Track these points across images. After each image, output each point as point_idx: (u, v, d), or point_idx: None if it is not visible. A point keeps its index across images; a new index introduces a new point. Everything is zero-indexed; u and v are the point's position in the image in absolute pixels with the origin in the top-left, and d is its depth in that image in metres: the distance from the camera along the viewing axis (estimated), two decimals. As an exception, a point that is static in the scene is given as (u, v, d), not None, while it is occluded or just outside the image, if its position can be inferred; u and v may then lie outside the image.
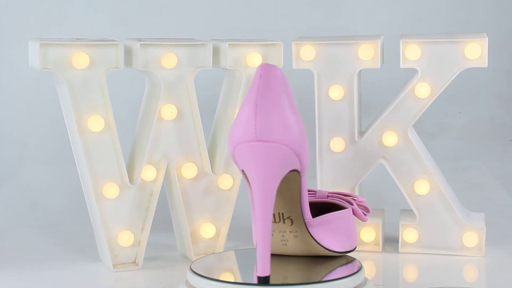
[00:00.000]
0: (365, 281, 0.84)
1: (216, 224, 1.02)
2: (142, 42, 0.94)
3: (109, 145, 0.95)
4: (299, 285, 0.80)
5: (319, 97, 1.03)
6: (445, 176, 1.07)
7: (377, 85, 1.32)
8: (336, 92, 1.02)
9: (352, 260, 0.88)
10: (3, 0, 1.43)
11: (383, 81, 1.31)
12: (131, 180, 0.97)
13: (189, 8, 1.46)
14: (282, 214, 0.86)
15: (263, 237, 0.79)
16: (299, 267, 0.86)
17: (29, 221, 1.19)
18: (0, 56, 1.43)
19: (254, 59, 0.99)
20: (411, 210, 1.04)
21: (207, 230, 1.01)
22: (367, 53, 1.01)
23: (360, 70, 1.02)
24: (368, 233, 1.04)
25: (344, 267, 0.85)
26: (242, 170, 0.81)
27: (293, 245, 0.88)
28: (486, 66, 0.99)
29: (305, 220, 0.86)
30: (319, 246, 0.87)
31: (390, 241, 1.07)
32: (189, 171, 0.99)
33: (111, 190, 0.95)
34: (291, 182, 0.83)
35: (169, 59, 0.96)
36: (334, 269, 0.85)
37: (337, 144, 1.03)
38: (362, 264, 0.86)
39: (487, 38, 0.99)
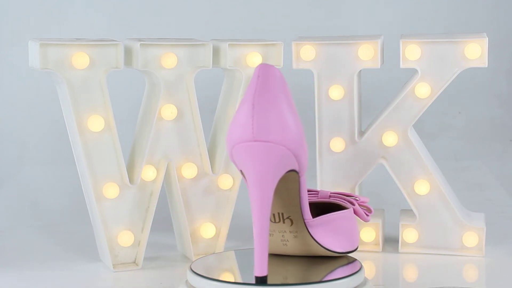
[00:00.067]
0: (365, 281, 0.84)
1: (216, 224, 1.02)
2: (142, 42, 0.94)
3: (109, 145, 0.95)
4: (299, 285, 0.80)
5: (319, 97, 1.03)
6: (445, 176, 1.07)
7: (377, 85, 1.32)
8: (336, 92, 1.02)
9: (353, 260, 0.88)
10: (3, 0, 1.43)
11: (383, 81, 1.31)
12: (131, 180, 0.97)
13: (189, 8, 1.46)
14: (282, 214, 0.86)
15: (260, 237, 0.79)
16: (299, 267, 0.86)
17: (29, 221, 1.19)
18: (0, 56, 1.43)
19: (254, 59, 0.99)
20: (411, 210, 1.04)
21: (207, 230, 1.01)
22: (367, 53, 1.01)
23: (360, 70, 1.02)
24: (368, 233, 1.04)
25: (344, 268, 0.85)
26: (241, 170, 0.81)
27: (293, 245, 0.88)
28: (486, 66, 0.99)
29: (305, 220, 0.86)
30: (319, 246, 0.87)
31: (390, 241, 1.07)
32: (189, 171, 0.99)
33: (111, 190, 0.95)
34: (290, 182, 0.83)
35: (169, 59, 0.96)
36: (335, 269, 0.85)
37: (337, 144, 1.03)
38: (362, 264, 0.86)
39: (487, 38, 0.99)
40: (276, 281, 0.81)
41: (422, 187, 1.02)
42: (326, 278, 0.82)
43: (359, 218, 0.94)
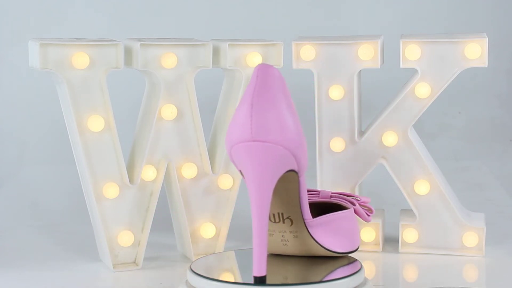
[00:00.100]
0: (365, 281, 0.84)
1: (216, 224, 1.02)
2: (142, 42, 0.94)
3: (109, 145, 0.95)
4: (299, 285, 0.80)
5: (319, 97, 1.03)
6: (445, 176, 1.07)
7: (377, 85, 1.32)
8: (336, 92, 1.02)
9: (353, 260, 0.88)
10: (3, 0, 1.43)
11: (383, 81, 1.31)
12: (131, 180, 0.97)
13: (189, 8, 1.46)
14: (282, 214, 0.86)
15: (259, 237, 0.79)
16: (300, 267, 0.86)
17: (29, 221, 1.19)
18: (0, 56, 1.43)
19: (254, 59, 0.99)
20: (411, 210, 1.04)
21: (207, 230, 1.01)
22: (367, 53, 1.01)
23: (360, 70, 1.02)
24: (368, 233, 1.04)
25: (345, 268, 0.85)
26: (240, 170, 0.81)
27: (293, 245, 0.88)
28: (486, 66, 0.99)
29: (305, 221, 0.86)
30: (319, 246, 0.87)
31: (390, 241, 1.07)
32: (189, 171, 0.99)
33: (111, 190, 0.95)
34: (289, 182, 0.83)
35: (169, 59, 0.96)
36: (335, 269, 0.85)
37: (337, 144, 1.03)
38: (362, 264, 0.86)
39: (487, 38, 0.99)
40: (276, 281, 0.81)
41: (422, 187, 1.02)
42: (326, 278, 0.82)
43: (360, 218, 0.94)
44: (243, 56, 0.99)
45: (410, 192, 1.03)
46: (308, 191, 0.93)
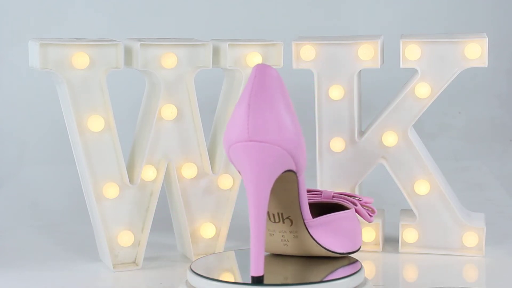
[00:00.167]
0: (365, 281, 0.84)
1: (216, 224, 1.02)
2: (142, 42, 0.94)
3: (109, 145, 0.95)
4: (299, 285, 0.80)
5: (319, 97, 1.03)
6: (445, 176, 1.07)
7: (377, 85, 1.32)
8: (336, 92, 1.02)
9: (354, 261, 0.87)
10: (3, 0, 1.43)
11: (383, 81, 1.31)
12: (131, 180, 0.97)
13: (189, 8, 1.46)
14: (281, 214, 0.86)
15: (256, 237, 0.79)
16: (300, 267, 0.86)
17: (29, 221, 1.19)
18: (0, 56, 1.43)
19: (254, 59, 0.99)
20: (411, 210, 1.04)
21: (207, 230, 1.01)
22: (367, 53, 1.01)
23: (360, 70, 1.02)
24: (368, 233, 1.04)
25: (345, 268, 0.85)
26: (239, 170, 0.81)
27: (293, 246, 0.88)
28: (486, 66, 0.99)
29: (305, 221, 0.86)
30: (320, 246, 0.87)
31: (390, 241, 1.07)
32: (189, 171, 0.99)
33: (111, 190, 0.95)
34: (288, 182, 0.83)
35: (169, 59, 0.96)
36: (335, 269, 0.85)
37: (337, 144, 1.03)
38: (362, 264, 0.86)
39: (487, 38, 0.99)
40: (276, 281, 0.81)
41: (422, 187, 1.02)
42: (326, 278, 0.82)
43: (362, 219, 0.94)
44: (243, 56, 0.99)
45: (410, 192, 1.03)
46: (310, 191, 0.93)
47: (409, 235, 1.03)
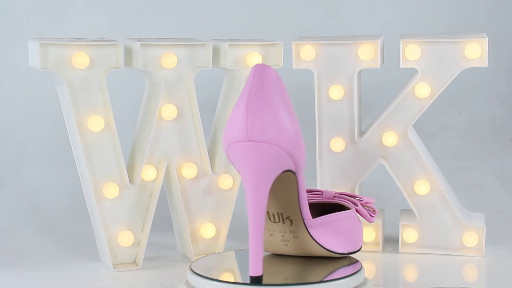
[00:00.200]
0: (365, 281, 0.84)
1: (216, 224, 1.02)
2: (142, 42, 0.94)
3: (109, 145, 0.95)
4: (299, 285, 0.80)
5: (319, 97, 1.03)
6: (445, 176, 1.07)
7: (377, 85, 1.32)
8: (336, 92, 1.02)
9: (354, 261, 0.87)
10: (3, 0, 1.43)
11: (383, 81, 1.31)
12: (131, 180, 0.97)
13: (189, 8, 1.46)
14: (281, 214, 0.86)
15: (255, 237, 0.79)
16: (300, 267, 0.86)
17: (29, 221, 1.19)
18: (0, 56, 1.43)
19: (254, 59, 0.99)
20: (411, 210, 1.04)
21: (207, 230, 1.01)
22: (367, 53, 1.01)
23: (360, 70, 1.02)
24: (368, 233, 1.04)
25: (345, 268, 0.85)
26: (238, 170, 0.81)
27: (293, 246, 0.88)
28: (486, 66, 0.99)
29: (305, 221, 0.86)
30: (320, 246, 0.87)
31: (390, 241, 1.07)
32: (189, 171, 0.99)
33: (111, 190, 0.95)
34: (287, 182, 0.83)
35: (169, 59, 0.96)
36: (335, 270, 0.85)
37: (337, 144, 1.03)
38: (362, 264, 0.86)
39: (487, 38, 0.99)
40: (276, 281, 0.81)
41: (422, 187, 1.02)
42: (326, 278, 0.82)
43: (363, 219, 0.94)
44: (243, 56, 0.99)
45: (410, 192, 1.03)
46: (311, 191, 0.93)
47: (409, 235, 1.03)
